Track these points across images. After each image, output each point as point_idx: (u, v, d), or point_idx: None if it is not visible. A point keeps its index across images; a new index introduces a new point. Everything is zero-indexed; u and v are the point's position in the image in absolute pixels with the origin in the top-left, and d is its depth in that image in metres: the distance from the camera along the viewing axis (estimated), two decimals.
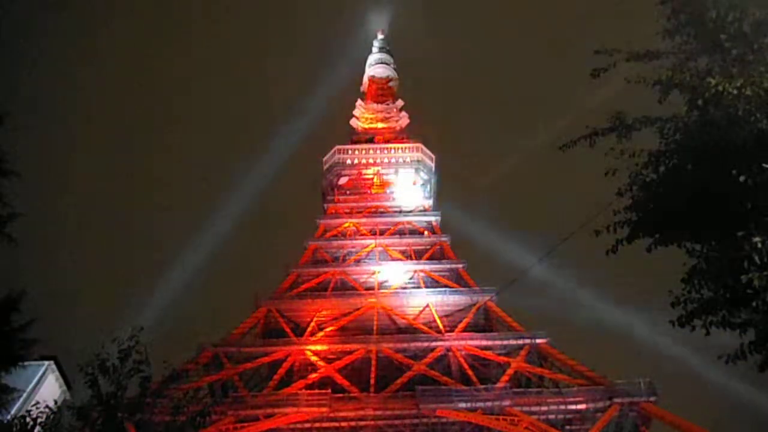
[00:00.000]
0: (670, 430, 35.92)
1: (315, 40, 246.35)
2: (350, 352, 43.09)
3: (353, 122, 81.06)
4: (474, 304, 48.48)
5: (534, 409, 38.01)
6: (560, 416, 38.72)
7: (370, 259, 55.96)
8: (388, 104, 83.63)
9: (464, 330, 45.66)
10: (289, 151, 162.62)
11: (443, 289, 50.59)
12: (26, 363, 12.15)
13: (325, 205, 65.84)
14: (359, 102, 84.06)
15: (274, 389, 39.90)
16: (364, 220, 61.08)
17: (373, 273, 53.53)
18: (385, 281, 53.13)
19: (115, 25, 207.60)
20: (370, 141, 74.85)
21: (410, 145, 71.86)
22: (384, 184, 69.43)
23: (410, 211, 63.81)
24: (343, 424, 38.33)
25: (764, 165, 6.24)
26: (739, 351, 6.35)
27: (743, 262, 6.07)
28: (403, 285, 52.80)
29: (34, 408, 12.39)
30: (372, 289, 51.48)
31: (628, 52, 7.95)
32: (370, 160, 70.50)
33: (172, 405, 12.93)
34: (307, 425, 38.50)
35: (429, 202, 66.37)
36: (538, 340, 43.51)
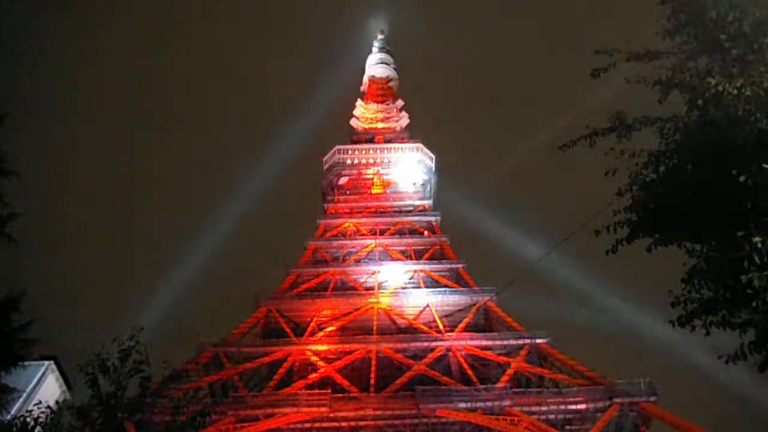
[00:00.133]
0: (670, 430, 35.92)
1: (315, 40, 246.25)
2: (350, 352, 43.07)
3: (353, 122, 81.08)
4: (474, 304, 48.47)
5: (534, 409, 37.97)
6: (560, 416, 38.68)
7: (370, 259, 55.95)
8: (388, 104, 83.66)
9: (464, 330, 45.63)
10: (289, 151, 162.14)
11: (443, 289, 50.56)
12: (26, 363, 12.15)
13: (325, 205, 65.82)
14: (359, 102, 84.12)
15: (274, 389, 39.86)
16: (364, 220, 61.07)
17: (373, 273, 53.48)
18: (385, 281, 53.05)
19: (115, 25, 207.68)
20: (370, 141, 74.87)
21: (410, 145, 71.86)
22: (384, 184, 69.43)
23: (410, 211, 63.78)
24: (343, 424, 38.28)
25: (764, 165, 6.24)
26: (739, 351, 6.34)
27: (743, 262, 6.07)
28: (403, 285, 52.72)
29: (34, 408, 12.37)
30: (372, 289, 51.44)
31: (628, 52, 7.96)
32: (370, 160, 70.52)
33: (172, 405, 12.95)
34: (307, 425, 38.45)
35: (429, 202, 66.25)
36: (538, 340, 43.48)
